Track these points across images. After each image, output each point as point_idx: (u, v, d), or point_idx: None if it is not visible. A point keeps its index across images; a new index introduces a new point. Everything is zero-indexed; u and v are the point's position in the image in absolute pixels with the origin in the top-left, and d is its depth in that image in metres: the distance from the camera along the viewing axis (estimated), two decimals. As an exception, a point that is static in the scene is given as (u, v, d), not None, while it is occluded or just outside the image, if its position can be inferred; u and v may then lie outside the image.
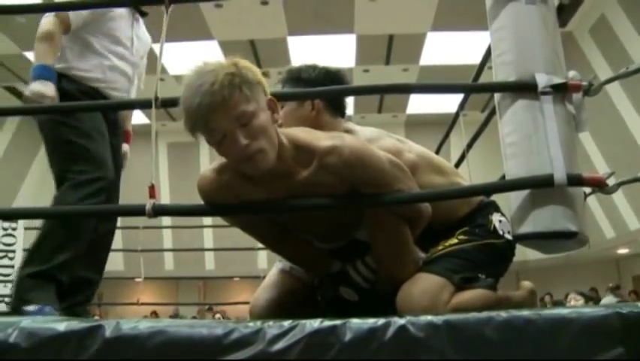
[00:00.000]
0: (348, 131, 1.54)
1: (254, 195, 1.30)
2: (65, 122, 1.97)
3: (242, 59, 1.23)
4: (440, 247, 1.47)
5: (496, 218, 1.53)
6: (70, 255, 1.89)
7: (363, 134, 1.53)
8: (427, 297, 1.33)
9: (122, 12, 2.17)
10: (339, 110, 1.61)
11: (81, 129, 1.97)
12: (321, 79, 1.56)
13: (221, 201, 1.32)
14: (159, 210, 1.32)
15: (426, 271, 1.40)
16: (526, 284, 1.61)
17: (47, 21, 1.95)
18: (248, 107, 1.18)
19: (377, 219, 1.34)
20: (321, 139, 1.29)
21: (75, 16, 1.99)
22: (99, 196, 1.93)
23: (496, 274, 1.50)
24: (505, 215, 1.53)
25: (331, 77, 1.58)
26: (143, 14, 2.31)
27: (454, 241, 1.47)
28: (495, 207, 1.58)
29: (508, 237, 1.49)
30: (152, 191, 1.33)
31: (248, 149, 1.18)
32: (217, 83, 1.15)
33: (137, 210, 1.40)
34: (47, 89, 1.87)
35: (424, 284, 1.37)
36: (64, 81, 2.03)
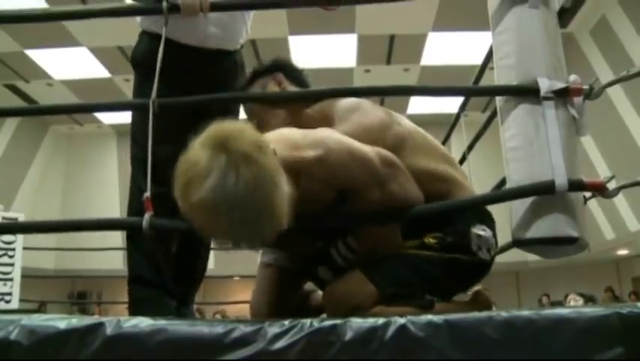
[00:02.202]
0: (327, 115, 1.48)
1: None
2: (138, 130, 1.75)
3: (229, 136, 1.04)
4: (407, 245, 1.36)
5: (476, 231, 1.37)
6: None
7: (343, 104, 1.47)
8: (347, 301, 1.25)
9: None
10: (304, 84, 1.62)
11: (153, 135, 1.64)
12: (273, 62, 1.63)
13: None
14: (156, 226, 1.27)
15: (363, 270, 1.29)
16: (482, 295, 1.47)
17: None
18: None
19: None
20: (304, 149, 1.21)
21: None
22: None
23: (448, 290, 1.40)
24: (494, 224, 1.44)
25: (280, 60, 1.65)
26: None
27: (420, 243, 1.36)
28: (482, 217, 1.42)
29: (483, 255, 1.36)
30: (149, 204, 1.26)
31: None
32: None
33: (133, 225, 1.35)
34: None
35: (350, 287, 1.28)
36: (154, 42, 1.71)
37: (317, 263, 1.44)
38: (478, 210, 1.44)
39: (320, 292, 1.58)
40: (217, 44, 1.89)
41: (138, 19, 1.91)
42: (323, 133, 1.31)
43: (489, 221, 1.43)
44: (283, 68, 1.62)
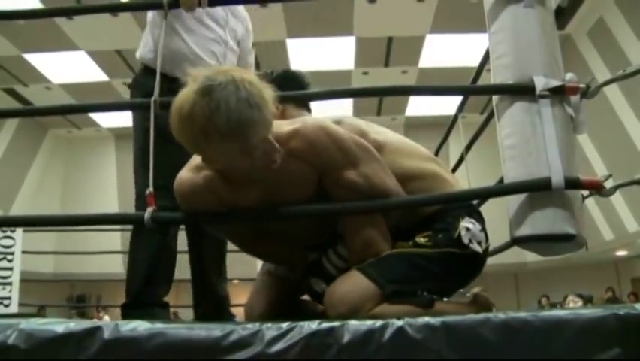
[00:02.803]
0: None
1: (233, 194, 1.28)
2: (142, 132, 1.81)
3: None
4: (399, 246, 1.36)
5: (464, 224, 1.36)
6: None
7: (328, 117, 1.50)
8: (349, 301, 1.24)
9: None
10: (304, 105, 1.63)
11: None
12: (283, 78, 1.61)
13: (203, 205, 1.29)
14: (158, 220, 1.29)
15: (361, 270, 1.29)
16: (481, 297, 1.45)
17: None
18: None
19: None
20: (284, 125, 1.29)
21: None
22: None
23: (447, 286, 1.39)
24: (482, 220, 1.42)
25: (290, 75, 1.65)
26: None
27: (412, 244, 1.35)
28: (469, 211, 1.41)
29: (475, 248, 1.34)
30: (151, 199, 1.28)
31: None
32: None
33: (135, 219, 1.38)
34: None
35: (350, 287, 1.27)
36: (147, 75, 1.84)
37: (310, 275, 1.44)
38: (465, 205, 1.43)
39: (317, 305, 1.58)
40: None
41: (146, 57, 1.93)
42: (306, 117, 1.41)
43: (477, 216, 1.42)
44: (290, 86, 1.57)
